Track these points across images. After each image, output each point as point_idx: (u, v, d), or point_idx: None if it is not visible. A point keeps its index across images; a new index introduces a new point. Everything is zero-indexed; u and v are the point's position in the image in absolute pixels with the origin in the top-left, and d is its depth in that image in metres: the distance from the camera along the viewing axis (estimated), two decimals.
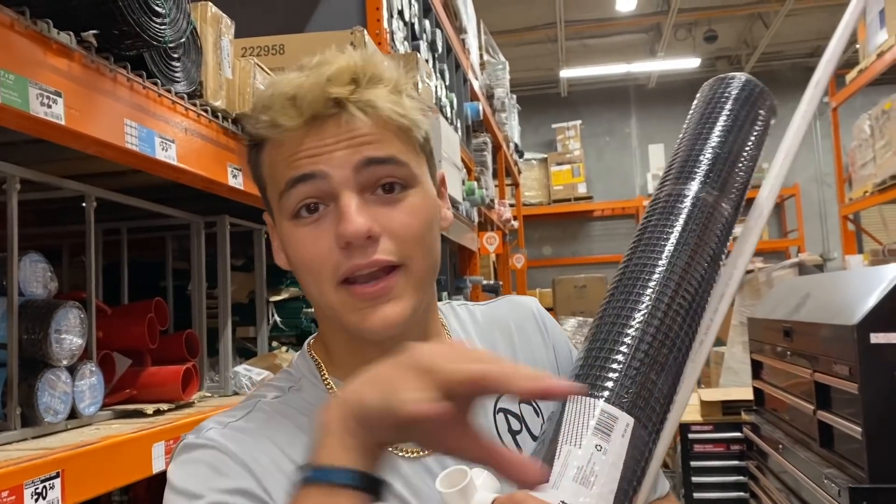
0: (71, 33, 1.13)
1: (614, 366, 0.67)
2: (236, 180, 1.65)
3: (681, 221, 0.75)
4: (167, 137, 1.38)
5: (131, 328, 1.61)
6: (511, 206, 7.33)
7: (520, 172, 8.58)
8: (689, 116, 0.89)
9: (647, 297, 0.71)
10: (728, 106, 0.84)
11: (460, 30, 4.71)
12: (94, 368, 1.38)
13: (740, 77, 0.87)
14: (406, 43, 3.17)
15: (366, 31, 2.27)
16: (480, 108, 4.95)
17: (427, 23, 3.63)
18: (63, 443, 1.19)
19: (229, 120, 1.63)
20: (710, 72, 10.43)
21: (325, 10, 2.90)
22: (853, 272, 2.62)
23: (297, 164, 0.73)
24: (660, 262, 0.73)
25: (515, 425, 0.82)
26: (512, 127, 7.27)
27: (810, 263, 5.03)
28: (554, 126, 10.44)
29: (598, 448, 0.61)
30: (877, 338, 1.86)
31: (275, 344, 2.05)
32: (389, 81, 0.75)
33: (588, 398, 0.65)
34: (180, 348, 1.72)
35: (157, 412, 1.47)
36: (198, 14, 1.56)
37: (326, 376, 0.81)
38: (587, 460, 0.60)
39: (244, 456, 0.71)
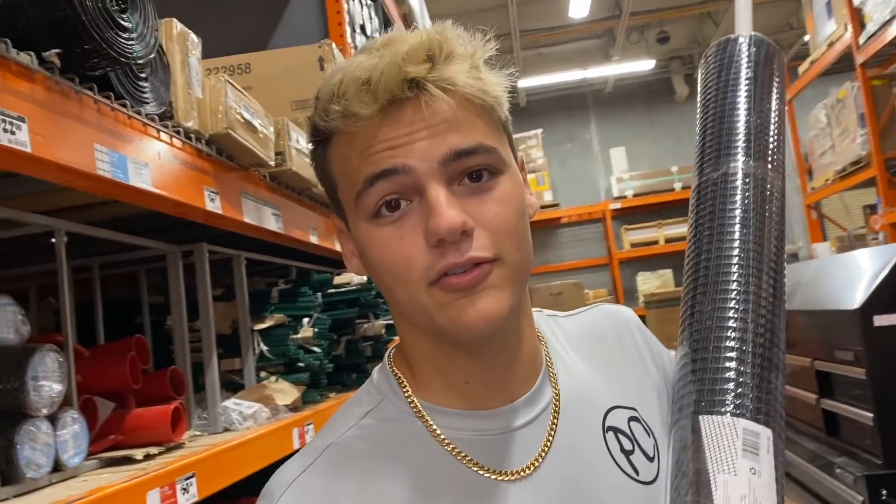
0: (31, 53, 1.04)
1: (732, 374, 0.62)
2: (214, 204, 1.56)
3: (739, 204, 0.71)
4: (140, 162, 1.29)
5: (112, 369, 1.50)
6: None
7: None
8: (703, 86, 0.84)
9: (740, 296, 0.66)
10: (745, 71, 0.80)
11: None
12: (76, 415, 1.28)
13: (745, 37, 0.83)
14: None
15: (334, 45, 2.20)
16: None
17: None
18: (49, 499, 1.09)
19: (203, 141, 1.54)
20: (664, 73, 10.56)
21: (287, 28, 2.82)
22: (843, 257, 2.61)
23: (376, 158, 0.65)
24: (736, 254, 0.69)
25: (627, 445, 0.75)
26: None
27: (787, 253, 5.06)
28: (516, 136, 10.41)
29: (753, 471, 0.57)
30: (881, 320, 1.83)
31: (263, 374, 1.95)
32: (467, 55, 0.68)
33: (723, 417, 0.60)
34: (164, 387, 1.62)
35: (148, 457, 1.37)
36: (163, 31, 1.47)
37: (410, 394, 0.73)
38: (748, 488, 0.55)
39: None
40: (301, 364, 2.00)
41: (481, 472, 0.68)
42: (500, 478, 0.68)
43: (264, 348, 1.95)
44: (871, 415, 1.85)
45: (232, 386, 1.95)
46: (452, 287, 0.64)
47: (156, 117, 1.36)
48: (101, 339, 1.79)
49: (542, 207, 10.19)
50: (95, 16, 1.08)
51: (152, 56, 1.25)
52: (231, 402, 1.76)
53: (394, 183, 0.65)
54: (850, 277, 2.07)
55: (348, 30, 2.91)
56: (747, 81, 0.78)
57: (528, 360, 0.74)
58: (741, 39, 0.83)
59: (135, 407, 1.53)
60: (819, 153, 6.69)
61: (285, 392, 1.87)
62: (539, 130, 10.45)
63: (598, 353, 0.82)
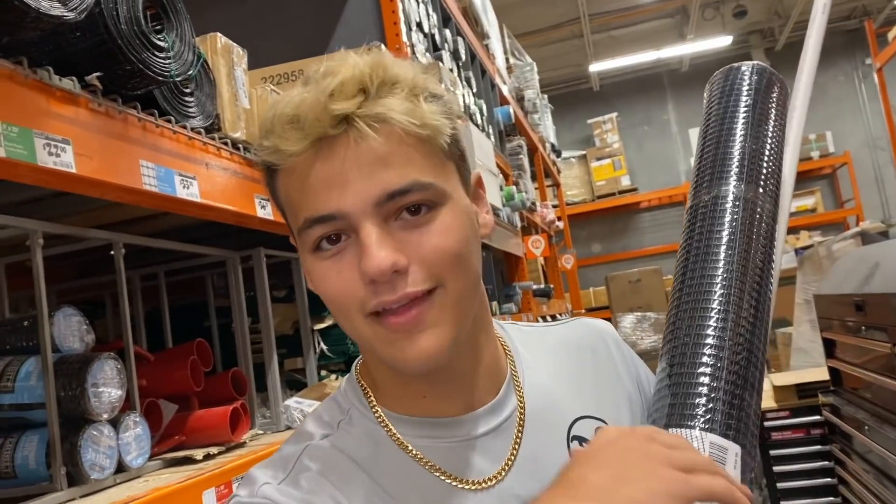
0: (74, 78, 1.10)
1: (705, 390, 0.64)
2: (265, 211, 1.61)
3: (727, 226, 0.73)
4: (187, 175, 1.34)
5: (174, 373, 1.57)
6: (554, 206, 7.21)
7: (559, 172, 8.46)
8: (706, 112, 0.86)
9: (720, 315, 0.68)
10: (745, 98, 0.82)
11: (483, 35, 4.65)
12: (137, 419, 1.34)
13: (748, 66, 0.86)
14: (428, 55, 3.12)
15: (384, 46, 2.22)
16: (511, 111, 4.87)
17: (448, 32, 3.58)
18: (110, 500, 1.15)
19: (251, 151, 1.59)
20: (743, 48, 10.18)
21: (344, 30, 2.86)
22: None
23: (311, 199, 0.65)
24: (720, 274, 0.70)
25: None
26: (546, 127, 7.17)
27: (874, 231, 4.82)
28: (589, 121, 10.28)
29: None
30: None
31: (324, 373, 2.00)
32: (404, 86, 0.66)
33: (691, 430, 0.62)
34: (227, 388, 1.68)
35: (208, 457, 1.42)
36: (207, 46, 1.52)
37: (375, 405, 0.74)
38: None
39: None
40: None
41: (446, 480, 0.69)
42: (463, 486, 0.69)
43: (324, 347, 1.99)
44: None
45: (296, 384, 2.00)
46: (391, 326, 0.65)
47: (202, 130, 1.41)
48: (168, 343, 1.87)
49: (620, 193, 10.03)
50: (131, 38, 1.13)
51: (191, 73, 1.29)
52: (293, 401, 1.81)
53: (330, 226, 0.65)
54: None
55: (404, 28, 2.92)
56: (746, 109, 0.80)
57: (490, 372, 0.75)
58: (744, 68, 0.85)
59: (198, 408, 1.60)
60: None
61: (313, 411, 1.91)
62: (614, 114, 10.26)
63: (571, 364, 0.81)
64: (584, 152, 10.21)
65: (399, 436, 0.71)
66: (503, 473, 0.70)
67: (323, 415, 0.76)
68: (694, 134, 10.36)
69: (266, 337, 1.82)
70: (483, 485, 0.69)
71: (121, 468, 1.29)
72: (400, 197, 0.64)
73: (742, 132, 0.78)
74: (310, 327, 2.00)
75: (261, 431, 1.73)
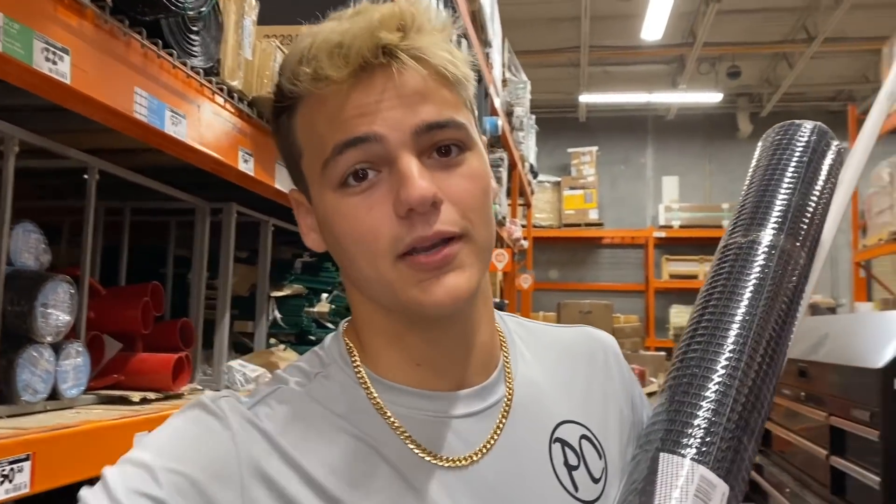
0: None
1: (705, 424, 0.64)
2: (247, 165, 1.58)
3: (759, 270, 0.73)
4: (178, 112, 1.31)
5: (125, 311, 1.53)
6: (522, 226, 7.26)
7: (532, 193, 8.51)
8: (757, 158, 0.87)
9: (735, 354, 0.68)
10: (799, 154, 0.83)
11: (485, 43, 4.66)
12: (80, 349, 1.30)
13: (810, 124, 0.87)
14: None
15: None
16: (499, 123, 4.89)
17: (454, 30, 3.58)
18: (39, 424, 1.11)
19: (245, 102, 1.56)
20: (730, 108, 10.38)
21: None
22: (876, 315, 2.53)
23: (346, 124, 0.64)
24: (741, 315, 0.70)
25: (573, 460, 0.73)
26: (528, 147, 7.21)
27: (824, 306, 4.94)
28: (570, 150, 10.38)
29: None
30: None
31: (273, 341, 1.97)
32: (438, 29, 0.67)
33: (683, 458, 0.61)
34: (174, 337, 1.64)
35: (144, 401, 1.39)
36: None
37: (358, 363, 0.72)
38: None
39: (242, 452, 0.64)
40: (312, 337, 2.01)
41: (417, 451, 0.67)
42: (434, 461, 0.67)
43: (278, 316, 1.97)
44: (878, 479, 1.80)
45: (241, 348, 1.97)
46: (421, 266, 0.63)
47: (201, 71, 1.38)
48: (122, 281, 1.82)
49: (586, 225, 10.12)
50: None
51: (204, 10, 1.27)
52: (237, 363, 1.78)
53: (364, 151, 0.63)
54: (881, 337, 2.01)
55: None
56: (798, 164, 0.81)
57: (484, 352, 0.74)
58: (806, 125, 0.85)
59: (142, 351, 1.56)
60: (876, 211, 6.52)
61: (291, 362, 1.88)
62: (595, 148, 10.37)
63: (565, 367, 0.80)
64: (559, 179, 10.30)
65: (379, 399, 0.70)
66: (478, 456, 0.69)
67: (301, 364, 0.74)
68: (668, 181, 10.54)
69: (222, 294, 1.79)
70: (455, 463, 0.68)
71: (54, 395, 1.25)
72: (438, 130, 0.64)
73: (791, 185, 0.79)
74: (267, 293, 1.97)
75: (199, 387, 1.69)
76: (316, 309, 2.05)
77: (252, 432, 0.65)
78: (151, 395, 1.41)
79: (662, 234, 9.92)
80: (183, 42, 1.33)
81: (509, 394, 0.74)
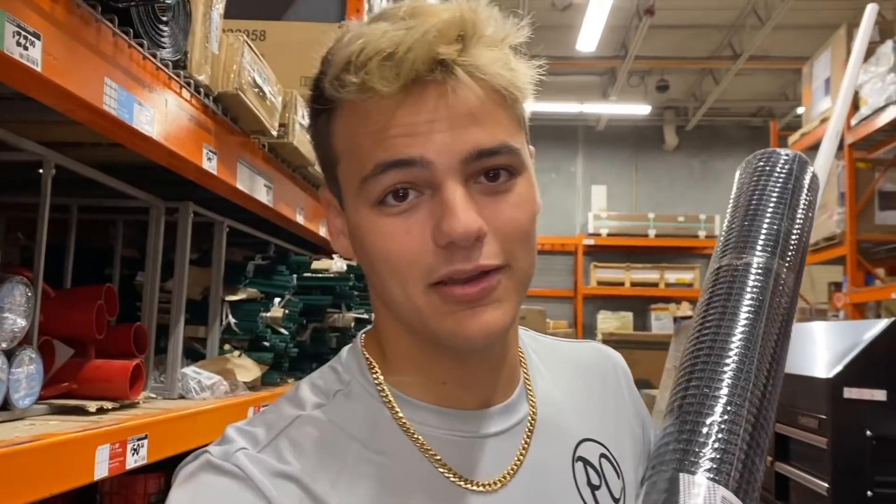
0: None
1: (722, 445, 0.64)
2: (210, 163, 1.52)
3: (756, 292, 0.75)
4: (146, 105, 1.24)
5: (76, 315, 1.44)
6: None
7: None
8: (739, 185, 0.91)
9: (741, 374, 0.69)
10: (783, 181, 0.86)
11: None
12: (33, 355, 1.21)
13: (791, 153, 0.91)
14: None
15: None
16: None
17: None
18: None
19: (210, 98, 1.50)
20: (657, 121, 10.67)
21: (304, 4, 2.78)
22: (821, 325, 2.63)
23: (391, 143, 0.59)
24: (742, 337, 0.71)
25: (595, 479, 0.71)
26: None
27: None
28: None
29: None
30: (850, 392, 1.83)
31: (227, 346, 1.90)
32: (498, 39, 0.62)
33: (704, 479, 0.62)
34: (127, 342, 1.55)
35: (101, 410, 1.31)
36: None
37: (381, 381, 0.68)
38: None
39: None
40: (266, 343, 1.95)
41: (448, 476, 0.64)
42: (466, 486, 0.64)
43: (232, 321, 1.89)
44: (826, 485, 1.86)
45: (192, 354, 1.89)
46: (456, 298, 0.60)
47: (170, 63, 1.31)
48: (67, 283, 1.72)
49: None
50: None
51: (173, 1, 1.20)
52: (191, 370, 1.70)
53: (407, 174, 0.59)
54: (822, 347, 2.08)
55: (366, 5, 2.87)
56: (784, 191, 0.84)
57: (510, 369, 0.71)
58: (787, 154, 0.89)
59: (94, 358, 1.47)
60: None
61: (247, 369, 1.81)
62: None
63: (579, 384, 0.79)
64: None
65: (405, 419, 0.66)
66: (508, 478, 0.66)
67: (318, 381, 0.69)
68: (597, 190, 10.75)
69: (177, 298, 1.71)
70: (486, 488, 0.65)
71: (5, 406, 1.16)
72: (488, 157, 0.60)
73: (779, 210, 0.82)
74: (221, 297, 1.89)
75: (153, 395, 1.61)
76: (270, 314, 1.98)
77: (281, 484, 0.60)
78: (108, 405, 1.33)
79: (591, 242, 10.10)
80: (152, 32, 1.26)
81: (532, 411, 0.72)
